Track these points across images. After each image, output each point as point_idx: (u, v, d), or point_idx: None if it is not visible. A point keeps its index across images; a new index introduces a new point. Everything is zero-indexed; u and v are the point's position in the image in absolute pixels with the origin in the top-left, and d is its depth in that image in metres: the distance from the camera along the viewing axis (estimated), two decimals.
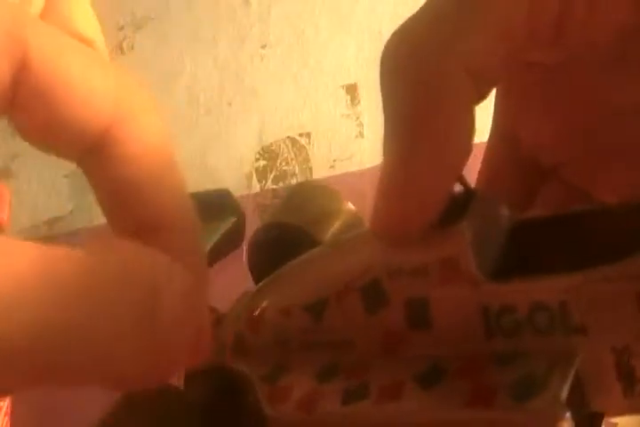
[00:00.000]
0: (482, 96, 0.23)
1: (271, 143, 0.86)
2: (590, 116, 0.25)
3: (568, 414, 0.19)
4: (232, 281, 0.29)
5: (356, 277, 0.23)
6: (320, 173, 0.88)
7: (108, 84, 0.17)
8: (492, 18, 0.22)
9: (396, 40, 0.22)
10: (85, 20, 0.24)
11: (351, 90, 0.89)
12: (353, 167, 0.89)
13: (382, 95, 0.22)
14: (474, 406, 0.20)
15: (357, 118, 0.90)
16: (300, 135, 0.88)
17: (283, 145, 0.87)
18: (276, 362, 0.24)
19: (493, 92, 0.25)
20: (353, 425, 0.22)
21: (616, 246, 0.20)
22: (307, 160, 0.88)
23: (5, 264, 0.14)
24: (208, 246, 0.32)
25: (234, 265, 0.34)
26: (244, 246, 0.34)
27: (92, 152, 0.17)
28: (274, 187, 0.86)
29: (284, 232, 0.33)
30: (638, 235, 0.20)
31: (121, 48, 0.78)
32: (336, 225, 0.34)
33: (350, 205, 0.35)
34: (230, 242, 0.34)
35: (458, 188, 0.23)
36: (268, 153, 0.86)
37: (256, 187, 0.85)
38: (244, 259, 0.34)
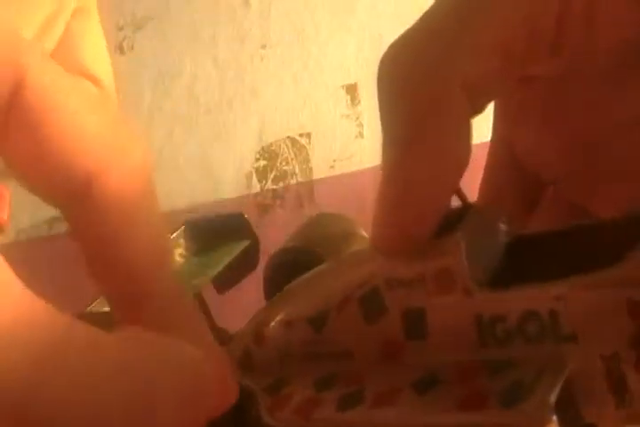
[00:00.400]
0: (478, 110, 0.23)
1: (271, 143, 0.86)
2: (591, 130, 0.25)
3: (555, 418, 0.19)
4: (246, 305, 0.29)
5: (356, 287, 0.23)
6: (320, 173, 0.88)
7: (101, 130, 0.17)
8: (489, 33, 0.22)
9: (393, 52, 0.22)
10: (97, 58, 0.24)
11: (351, 90, 0.89)
12: (353, 167, 0.89)
13: (379, 105, 0.22)
14: (465, 410, 0.20)
15: (357, 118, 0.90)
16: (300, 135, 0.88)
17: (283, 145, 0.87)
18: (279, 374, 0.24)
19: None
20: None
21: (609, 258, 0.20)
22: (307, 160, 0.88)
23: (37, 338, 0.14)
24: (220, 269, 0.33)
25: (248, 288, 0.34)
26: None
27: (76, 199, 0.17)
28: (274, 187, 0.86)
29: (300, 256, 0.33)
30: (630, 245, 0.20)
31: (121, 48, 0.78)
32: (350, 249, 0.34)
33: (364, 233, 0.36)
34: (244, 265, 0.34)
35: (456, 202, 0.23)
36: (268, 153, 0.86)
37: (256, 187, 0.85)
38: (259, 280, 0.34)
